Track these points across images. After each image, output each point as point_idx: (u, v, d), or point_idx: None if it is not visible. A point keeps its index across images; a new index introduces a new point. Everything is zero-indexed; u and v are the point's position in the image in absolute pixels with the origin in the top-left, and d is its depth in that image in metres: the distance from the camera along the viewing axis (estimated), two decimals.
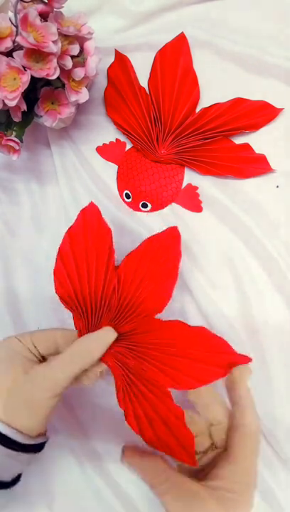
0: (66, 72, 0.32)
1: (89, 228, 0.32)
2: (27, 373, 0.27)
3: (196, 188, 0.38)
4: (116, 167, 0.40)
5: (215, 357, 0.29)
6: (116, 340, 0.30)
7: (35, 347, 0.29)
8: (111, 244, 0.32)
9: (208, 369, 0.29)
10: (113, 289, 0.31)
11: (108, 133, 0.40)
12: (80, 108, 0.40)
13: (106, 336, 0.29)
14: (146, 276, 0.31)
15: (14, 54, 0.29)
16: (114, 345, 0.30)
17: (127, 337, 0.31)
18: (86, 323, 0.31)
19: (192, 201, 0.38)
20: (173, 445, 0.28)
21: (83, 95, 0.33)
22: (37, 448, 0.27)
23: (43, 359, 0.30)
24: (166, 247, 0.32)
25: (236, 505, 0.25)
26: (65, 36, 0.31)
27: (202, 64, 0.38)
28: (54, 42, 0.29)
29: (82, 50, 0.32)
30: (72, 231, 0.32)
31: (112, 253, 0.32)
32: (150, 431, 0.28)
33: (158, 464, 0.26)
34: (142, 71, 0.39)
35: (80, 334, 0.31)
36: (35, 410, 0.26)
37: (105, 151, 0.40)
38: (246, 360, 0.29)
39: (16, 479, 0.28)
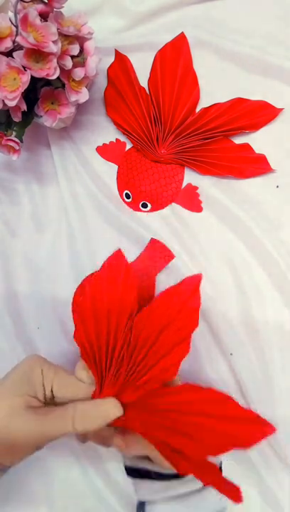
0: (66, 72, 0.32)
1: (113, 278, 0.29)
2: (26, 410, 0.25)
3: (196, 188, 0.38)
4: (116, 167, 0.40)
5: (235, 426, 0.26)
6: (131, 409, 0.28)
7: (51, 388, 0.27)
8: (135, 303, 0.29)
9: (226, 440, 0.26)
10: (127, 346, 0.29)
11: (108, 133, 0.40)
12: (80, 108, 0.40)
13: (113, 411, 0.26)
14: (160, 337, 0.28)
15: (14, 54, 0.29)
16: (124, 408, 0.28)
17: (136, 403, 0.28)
18: (99, 378, 0.28)
19: (192, 201, 0.38)
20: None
21: (83, 95, 0.33)
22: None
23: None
24: (183, 302, 0.29)
25: None
26: (65, 36, 0.31)
27: (202, 64, 0.38)
28: (54, 42, 0.29)
29: (82, 50, 0.32)
30: (94, 281, 0.29)
31: (134, 309, 0.29)
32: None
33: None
34: (142, 71, 0.39)
35: (94, 394, 0.28)
36: (12, 451, 0.25)
37: (105, 151, 0.40)
38: (271, 430, 0.26)
39: None
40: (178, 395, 0.27)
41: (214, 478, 0.25)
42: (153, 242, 0.32)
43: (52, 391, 0.27)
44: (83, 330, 0.29)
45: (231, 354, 0.35)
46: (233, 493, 0.25)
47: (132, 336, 0.29)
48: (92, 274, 0.30)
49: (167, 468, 0.27)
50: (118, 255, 0.30)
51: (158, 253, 0.37)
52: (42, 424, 0.25)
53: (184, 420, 0.27)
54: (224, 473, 0.36)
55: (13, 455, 0.26)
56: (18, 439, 0.25)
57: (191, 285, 0.29)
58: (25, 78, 0.29)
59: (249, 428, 0.26)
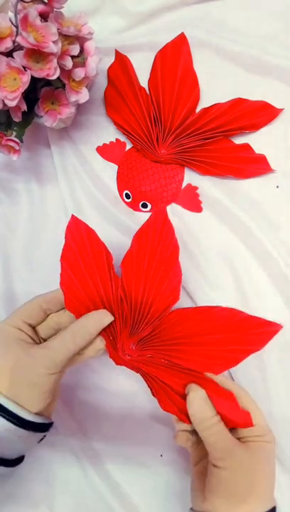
0: (66, 73, 0.32)
1: (80, 244, 0.32)
2: (28, 354, 0.28)
3: (196, 188, 0.38)
4: (116, 167, 0.40)
5: (244, 335, 0.29)
6: (141, 344, 0.31)
7: (25, 322, 0.30)
8: (108, 253, 0.31)
9: (239, 348, 0.29)
10: (121, 299, 0.31)
11: (108, 133, 0.40)
12: (80, 108, 0.40)
13: (103, 316, 0.30)
14: (149, 275, 0.31)
15: (14, 54, 0.29)
16: (141, 350, 0.31)
17: (151, 339, 0.31)
18: (108, 342, 0.31)
19: (192, 201, 0.38)
20: (232, 423, 0.28)
21: (83, 95, 0.33)
22: (36, 427, 0.28)
23: (40, 341, 0.31)
24: (158, 235, 0.31)
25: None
26: (65, 36, 0.31)
27: (202, 64, 0.38)
28: (54, 42, 0.29)
29: (82, 50, 0.32)
30: (65, 254, 0.32)
31: (110, 262, 0.31)
32: None
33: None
34: (142, 71, 0.39)
35: (108, 346, 0.30)
36: (36, 386, 0.27)
37: (105, 151, 0.40)
38: (277, 328, 0.29)
39: (19, 460, 0.29)
40: (187, 320, 0.30)
41: (227, 405, 0.28)
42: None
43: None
44: (74, 299, 0.31)
45: None
46: (244, 419, 0.28)
47: (123, 281, 0.31)
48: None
49: None
50: (73, 220, 0.32)
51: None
52: (50, 348, 0.28)
53: (197, 341, 0.30)
54: None
55: (38, 389, 0.28)
56: (35, 370, 0.27)
57: (160, 217, 0.31)
58: (26, 78, 0.29)
59: (257, 332, 0.29)
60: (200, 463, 0.30)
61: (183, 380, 0.30)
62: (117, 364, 0.31)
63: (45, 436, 0.30)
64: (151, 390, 0.30)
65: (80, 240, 0.31)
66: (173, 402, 0.29)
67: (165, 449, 0.37)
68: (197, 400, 0.28)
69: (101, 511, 0.36)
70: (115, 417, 0.38)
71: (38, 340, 0.31)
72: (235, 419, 0.28)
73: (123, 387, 0.38)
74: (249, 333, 0.29)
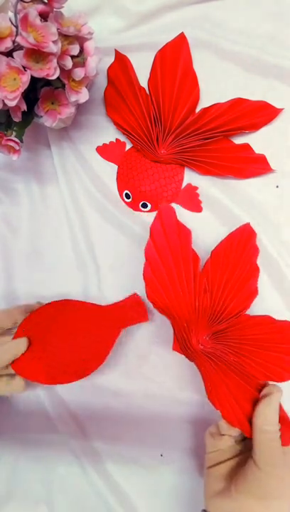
0: (66, 72, 0.32)
1: (169, 231, 0.33)
2: None
3: (196, 188, 0.38)
4: (116, 167, 0.40)
5: None
6: (215, 337, 0.34)
7: None
8: (193, 250, 0.33)
9: None
10: (204, 292, 0.33)
11: (108, 133, 0.40)
12: (80, 108, 0.40)
13: (17, 346, 0.33)
14: (231, 276, 0.34)
15: (14, 54, 0.29)
16: (214, 342, 0.33)
17: (223, 335, 0.33)
18: (181, 329, 0.32)
19: (192, 201, 0.38)
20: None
21: (83, 95, 0.33)
22: None
23: None
24: (243, 243, 0.34)
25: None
26: (65, 36, 0.31)
27: (202, 64, 0.38)
28: (54, 42, 0.29)
29: (82, 50, 0.32)
30: (154, 234, 0.32)
31: (196, 255, 0.33)
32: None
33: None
34: (142, 71, 0.39)
35: (176, 344, 0.31)
36: None
37: (105, 151, 0.40)
38: None
39: None
40: (261, 326, 0.33)
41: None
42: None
43: None
44: (158, 283, 0.32)
45: None
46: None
47: (209, 275, 0.33)
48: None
49: None
50: (166, 207, 0.33)
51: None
52: None
53: (266, 346, 0.32)
54: None
55: None
56: None
57: (246, 231, 0.35)
58: (25, 78, 0.29)
59: None
60: (216, 466, 0.30)
61: (246, 386, 0.31)
62: (177, 350, 0.31)
63: None
64: (206, 391, 0.29)
65: (170, 225, 0.33)
66: (231, 407, 0.29)
67: (165, 449, 0.37)
68: (275, 402, 0.29)
69: (100, 511, 0.36)
70: (115, 417, 0.38)
71: None
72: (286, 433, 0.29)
73: (123, 387, 0.38)
74: None
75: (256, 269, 0.34)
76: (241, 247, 0.34)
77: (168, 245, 0.32)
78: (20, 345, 0.33)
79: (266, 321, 0.33)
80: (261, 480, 0.27)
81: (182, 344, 0.32)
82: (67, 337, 0.34)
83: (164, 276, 0.32)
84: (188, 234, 0.33)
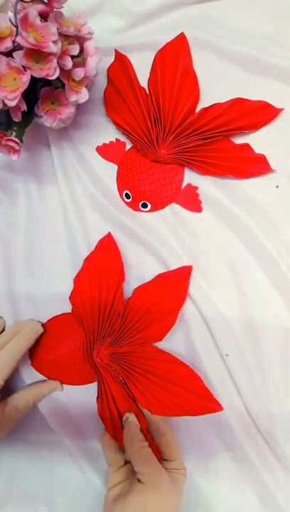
0: (66, 72, 0.32)
1: (104, 257, 0.37)
2: None
3: (196, 188, 0.38)
4: (116, 167, 0.40)
5: (191, 397, 0.34)
6: (114, 356, 0.36)
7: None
8: (123, 273, 0.36)
9: (181, 405, 0.34)
10: (118, 314, 0.36)
11: (108, 133, 0.40)
12: (80, 108, 0.40)
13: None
14: (151, 310, 0.35)
15: (14, 54, 0.29)
16: (111, 360, 0.36)
17: (124, 357, 0.36)
18: (89, 335, 0.36)
19: (192, 201, 0.38)
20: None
21: (83, 95, 0.33)
22: None
23: None
24: (175, 284, 0.36)
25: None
26: (65, 36, 0.31)
27: (202, 64, 0.38)
28: (54, 42, 0.29)
29: (82, 50, 0.32)
30: (90, 257, 0.37)
31: (121, 281, 0.36)
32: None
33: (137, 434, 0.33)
34: (142, 71, 0.39)
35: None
36: None
37: (105, 151, 0.40)
38: (218, 408, 0.33)
39: None
40: (160, 361, 0.35)
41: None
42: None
43: None
44: (79, 293, 0.37)
45: (227, 355, 0.35)
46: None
47: (127, 306, 0.36)
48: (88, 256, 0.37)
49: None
50: (108, 237, 0.37)
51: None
52: None
53: (156, 381, 0.34)
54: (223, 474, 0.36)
55: None
56: None
57: (183, 273, 0.36)
58: (25, 78, 0.29)
59: (204, 403, 0.34)
60: (115, 487, 0.33)
61: (127, 404, 0.35)
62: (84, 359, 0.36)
63: None
64: (98, 396, 0.36)
65: (107, 252, 0.37)
66: (111, 414, 0.35)
67: None
68: (133, 423, 0.34)
69: (100, 511, 0.36)
70: None
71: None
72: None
73: None
74: (196, 398, 0.34)
75: (176, 314, 0.35)
76: (172, 287, 0.36)
77: (101, 263, 0.37)
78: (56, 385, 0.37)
79: (169, 359, 0.35)
80: (141, 492, 0.30)
81: (87, 353, 0.36)
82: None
83: (89, 287, 0.36)
84: (119, 262, 0.37)
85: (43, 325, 0.37)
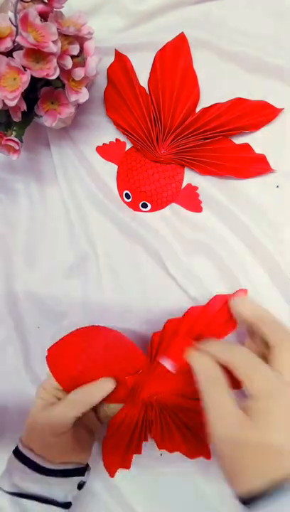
0: (66, 72, 0.31)
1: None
2: (40, 417, 0.31)
3: (196, 188, 0.38)
4: (116, 167, 0.40)
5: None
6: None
7: (57, 388, 0.33)
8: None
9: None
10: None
11: (108, 133, 0.40)
12: (80, 108, 0.40)
13: (105, 384, 0.32)
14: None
15: (14, 54, 0.29)
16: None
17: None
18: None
19: (192, 201, 0.38)
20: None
21: (83, 95, 0.33)
22: (63, 473, 0.31)
23: None
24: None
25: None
26: (65, 36, 0.31)
27: (202, 64, 0.38)
28: (54, 42, 0.29)
29: (82, 50, 0.32)
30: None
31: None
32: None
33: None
34: (142, 71, 0.39)
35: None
36: (51, 443, 0.31)
37: (105, 151, 0.40)
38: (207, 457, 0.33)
39: (68, 504, 0.31)
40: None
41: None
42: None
43: None
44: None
45: None
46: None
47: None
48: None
49: None
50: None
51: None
52: (54, 410, 0.31)
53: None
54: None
55: (50, 446, 0.31)
56: (44, 429, 0.30)
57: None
58: (25, 78, 0.29)
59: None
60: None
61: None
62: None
63: (82, 481, 0.32)
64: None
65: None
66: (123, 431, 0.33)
67: None
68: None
69: (99, 510, 0.36)
70: None
71: None
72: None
73: None
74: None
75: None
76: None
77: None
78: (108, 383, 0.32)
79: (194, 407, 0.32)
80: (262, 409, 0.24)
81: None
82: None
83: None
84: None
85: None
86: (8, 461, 0.32)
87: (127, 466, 0.35)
